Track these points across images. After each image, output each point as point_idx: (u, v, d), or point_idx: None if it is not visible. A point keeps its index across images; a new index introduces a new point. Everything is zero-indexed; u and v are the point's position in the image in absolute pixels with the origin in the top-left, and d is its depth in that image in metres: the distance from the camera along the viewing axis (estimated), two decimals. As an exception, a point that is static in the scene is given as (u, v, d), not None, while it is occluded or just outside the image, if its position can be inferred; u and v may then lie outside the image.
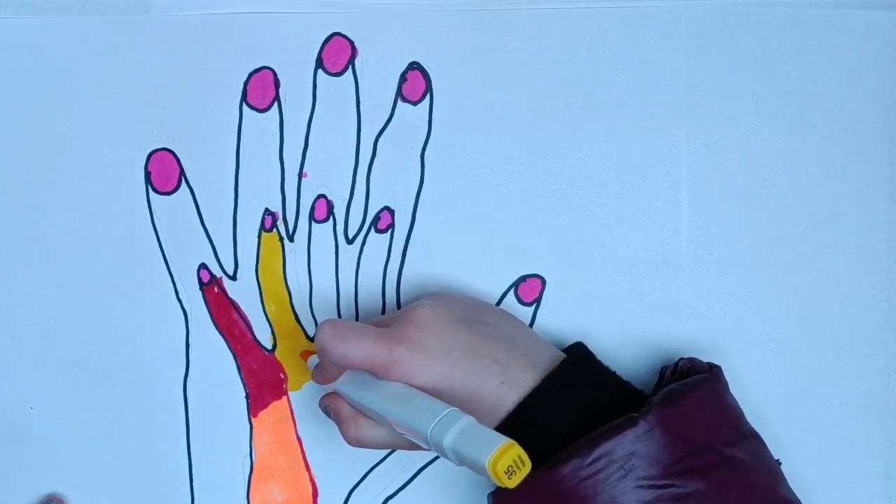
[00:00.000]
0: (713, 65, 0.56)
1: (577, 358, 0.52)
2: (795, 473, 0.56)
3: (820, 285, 0.56)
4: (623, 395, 0.51)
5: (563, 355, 0.52)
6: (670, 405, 0.48)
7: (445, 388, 0.48)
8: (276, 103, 0.56)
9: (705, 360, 0.53)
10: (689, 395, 0.49)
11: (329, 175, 0.57)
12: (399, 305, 0.57)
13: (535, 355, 0.51)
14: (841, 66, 0.56)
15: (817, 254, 0.57)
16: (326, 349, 0.49)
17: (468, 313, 0.51)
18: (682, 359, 0.53)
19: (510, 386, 0.49)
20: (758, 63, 0.56)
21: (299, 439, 0.58)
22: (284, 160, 0.57)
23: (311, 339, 0.57)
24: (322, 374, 0.52)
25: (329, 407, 0.52)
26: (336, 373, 0.51)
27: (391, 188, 0.57)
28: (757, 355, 0.57)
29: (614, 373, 0.53)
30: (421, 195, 0.57)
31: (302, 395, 0.57)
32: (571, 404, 0.49)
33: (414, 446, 0.49)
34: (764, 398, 0.57)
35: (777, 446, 0.53)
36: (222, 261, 0.57)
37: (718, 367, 0.52)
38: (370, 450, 0.54)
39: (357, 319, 0.57)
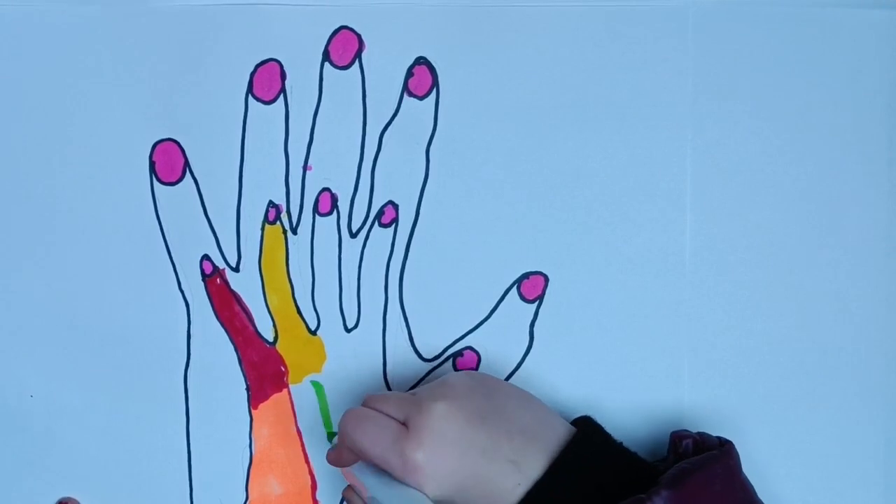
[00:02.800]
0: (720, 64, 0.56)
1: (586, 437, 0.51)
2: (794, 473, 0.56)
3: (820, 285, 0.56)
4: (632, 471, 0.50)
5: (572, 430, 0.52)
6: (678, 486, 0.48)
7: (458, 494, 0.49)
8: (281, 95, 0.56)
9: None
10: (697, 475, 0.49)
11: (333, 168, 0.57)
12: (401, 301, 0.57)
13: (549, 440, 0.50)
14: (843, 66, 0.57)
15: (817, 254, 0.57)
16: (347, 439, 0.50)
17: (484, 407, 0.51)
18: (689, 435, 0.53)
19: (525, 484, 0.49)
20: (761, 62, 0.57)
21: (299, 432, 0.58)
22: (289, 153, 0.57)
23: (313, 333, 0.57)
24: (338, 456, 0.52)
25: (346, 499, 0.54)
26: (351, 459, 0.52)
27: (395, 183, 0.57)
28: (757, 354, 0.57)
29: (622, 445, 0.52)
30: (425, 190, 0.57)
31: (302, 388, 0.57)
32: (582, 488, 0.49)
33: None
34: (763, 398, 0.57)
35: (776, 446, 0.53)
36: (225, 252, 0.57)
37: (730, 443, 0.52)
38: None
39: (359, 315, 0.57)
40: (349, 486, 0.53)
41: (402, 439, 0.49)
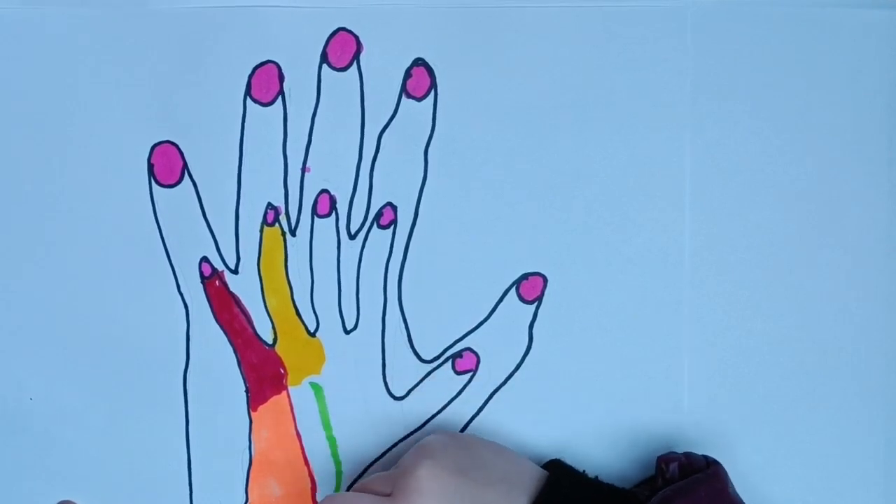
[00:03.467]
0: (718, 64, 0.56)
1: (561, 478, 0.52)
2: (794, 473, 0.56)
3: (820, 285, 0.56)
4: (614, 502, 0.51)
5: (544, 473, 0.53)
6: None
7: None
8: (280, 97, 0.56)
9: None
10: (680, 501, 0.49)
11: (332, 170, 0.57)
12: (400, 302, 0.57)
13: (528, 485, 0.51)
14: (842, 65, 0.57)
15: (817, 254, 0.57)
16: None
17: (465, 461, 0.52)
18: (675, 458, 0.53)
19: None
20: (761, 62, 0.56)
21: (299, 434, 0.58)
22: (288, 154, 0.57)
23: (312, 335, 0.57)
24: None
25: None
26: None
27: (394, 184, 0.57)
28: (757, 354, 0.57)
29: (597, 479, 0.53)
30: (424, 191, 0.57)
31: (302, 390, 0.57)
32: None
33: None
34: (763, 398, 0.57)
35: (776, 446, 0.53)
36: (224, 254, 0.57)
37: (716, 465, 0.52)
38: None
39: (358, 317, 0.57)
40: None
41: None
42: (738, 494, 0.51)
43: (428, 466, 0.51)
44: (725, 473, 0.52)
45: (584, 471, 0.54)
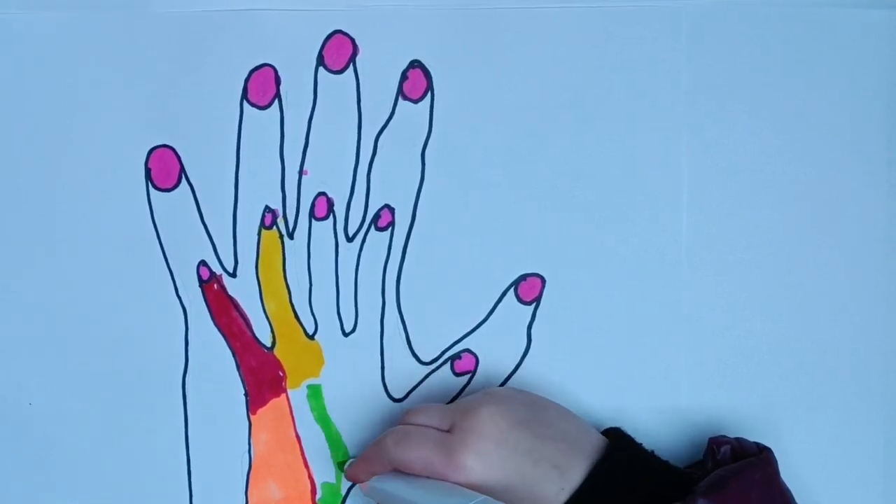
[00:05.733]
0: (715, 64, 0.56)
1: (621, 446, 0.52)
2: (794, 473, 0.56)
3: (820, 285, 0.56)
4: (667, 480, 0.51)
5: (604, 440, 0.52)
6: (714, 493, 0.48)
7: (500, 496, 0.49)
8: (276, 100, 0.56)
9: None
10: (734, 482, 0.49)
11: (329, 173, 0.57)
12: (399, 304, 0.57)
13: (589, 448, 0.51)
14: (841, 65, 0.56)
15: (817, 254, 0.57)
16: (389, 455, 0.51)
17: (528, 414, 0.51)
18: (727, 441, 0.53)
19: (569, 490, 0.49)
20: (758, 63, 0.56)
21: (298, 437, 0.58)
22: (285, 157, 0.57)
23: (310, 338, 0.57)
24: (355, 472, 0.53)
25: None
26: (368, 473, 0.53)
27: (391, 186, 0.57)
28: (756, 355, 0.57)
29: (654, 454, 0.53)
30: (421, 193, 0.57)
31: (301, 393, 0.57)
32: (620, 496, 0.49)
33: None
34: (763, 398, 0.57)
35: (776, 446, 0.53)
36: (222, 258, 0.57)
37: (768, 450, 0.52)
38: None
39: (356, 319, 0.57)
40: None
41: (448, 442, 0.50)
42: (785, 485, 0.51)
43: (491, 411, 0.50)
44: (776, 461, 0.52)
45: (641, 444, 0.53)
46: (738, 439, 0.53)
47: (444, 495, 0.48)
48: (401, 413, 0.55)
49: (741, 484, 0.49)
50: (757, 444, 0.53)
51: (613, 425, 0.55)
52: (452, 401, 0.57)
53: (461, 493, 0.48)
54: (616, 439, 0.53)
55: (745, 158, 0.57)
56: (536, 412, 0.52)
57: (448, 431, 0.51)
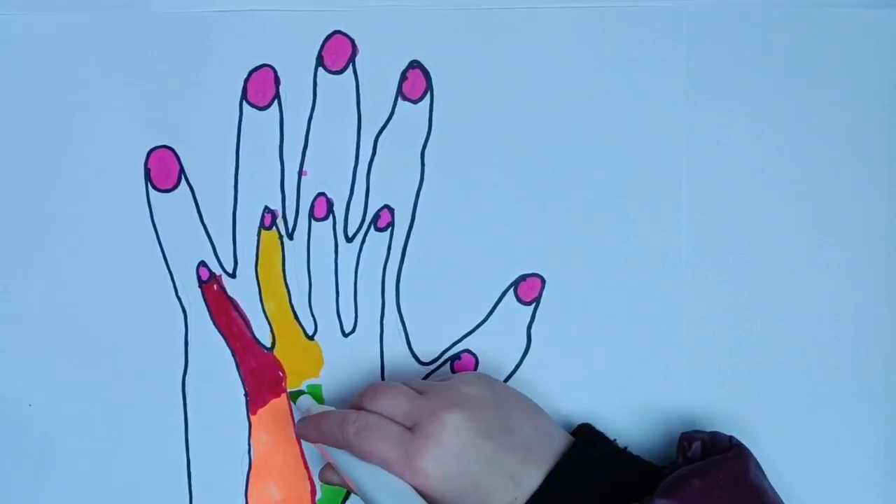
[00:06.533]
0: (715, 64, 0.56)
1: (585, 446, 0.51)
2: (794, 473, 0.56)
3: (820, 285, 0.56)
4: (634, 478, 0.50)
5: (571, 440, 0.52)
6: (673, 493, 0.48)
7: (451, 500, 0.49)
8: (276, 101, 0.56)
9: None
10: (695, 481, 0.48)
11: (329, 173, 0.57)
12: (398, 305, 0.57)
13: (547, 454, 0.51)
14: (841, 65, 0.56)
15: (817, 254, 0.57)
16: (349, 441, 0.50)
17: (493, 419, 0.51)
18: (698, 437, 0.52)
19: (522, 498, 0.49)
20: (758, 62, 0.56)
21: (298, 438, 0.57)
22: (284, 158, 0.57)
23: (310, 338, 0.57)
24: (306, 431, 0.53)
25: (324, 480, 0.54)
26: (317, 441, 0.52)
27: (391, 187, 0.57)
28: (756, 355, 0.57)
29: (625, 450, 0.52)
30: (421, 194, 0.57)
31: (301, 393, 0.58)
32: (578, 498, 0.49)
33: None
34: (763, 398, 0.57)
35: (776, 446, 0.53)
36: (222, 258, 0.57)
37: (739, 447, 0.51)
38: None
39: (356, 320, 0.57)
40: (327, 465, 0.53)
41: (409, 443, 0.49)
42: (761, 477, 0.51)
43: (456, 419, 0.50)
44: (748, 456, 0.51)
45: (615, 439, 0.53)
46: (711, 434, 0.52)
47: (395, 498, 0.49)
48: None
49: (702, 482, 0.48)
50: (730, 440, 0.52)
51: (610, 424, 0.54)
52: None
53: (412, 500, 0.48)
54: (584, 437, 0.52)
55: (745, 158, 0.57)
56: (503, 417, 0.51)
57: (410, 429, 0.50)
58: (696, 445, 0.52)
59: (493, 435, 0.50)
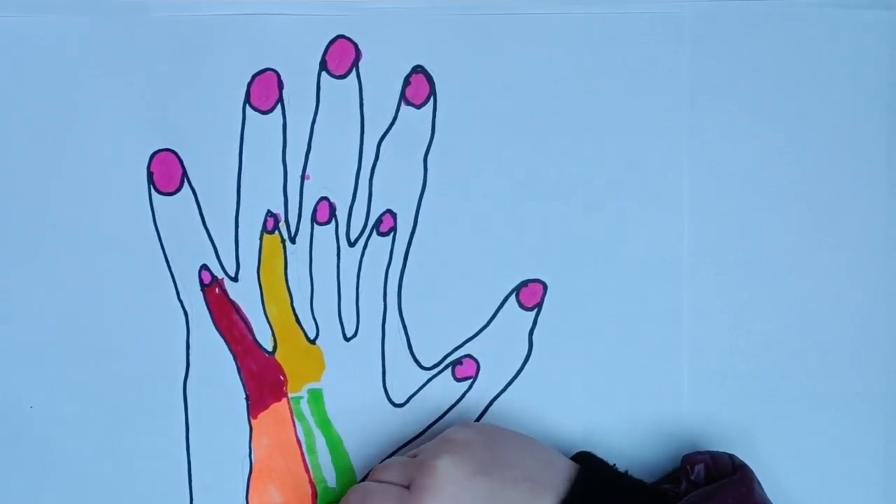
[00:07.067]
0: (716, 67, 0.57)
1: (591, 473, 0.52)
2: (794, 473, 0.56)
3: (820, 286, 0.57)
4: (637, 502, 0.51)
5: (575, 466, 0.52)
6: None
7: None
8: (279, 105, 0.56)
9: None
10: None
11: (331, 177, 0.57)
12: (400, 309, 0.57)
13: (555, 482, 0.51)
14: (841, 66, 0.57)
15: (817, 255, 0.57)
16: None
17: (487, 457, 0.51)
18: (700, 459, 0.52)
19: None
20: (760, 64, 0.57)
21: (299, 441, 0.57)
22: (287, 162, 0.57)
23: (312, 342, 0.57)
24: None
25: None
26: None
27: (394, 191, 0.57)
28: (757, 355, 0.57)
29: (626, 474, 0.53)
30: (423, 198, 0.57)
31: (302, 397, 0.57)
32: None
33: None
34: (763, 399, 0.57)
35: (776, 447, 0.53)
36: (224, 262, 0.57)
37: (743, 468, 0.52)
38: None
39: (357, 324, 0.57)
40: None
41: (406, 499, 0.50)
42: (764, 496, 0.51)
43: (447, 463, 0.50)
44: (751, 476, 0.51)
45: (614, 465, 0.53)
46: (712, 455, 0.53)
47: None
48: (401, 419, 0.54)
49: None
50: (732, 460, 0.52)
51: (613, 429, 0.54)
52: (451, 408, 0.57)
53: None
54: (586, 464, 0.53)
55: (746, 160, 0.57)
56: (496, 453, 0.51)
57: (408, 488, 0.51)
58: (700, 469, 0.52)
59: (489, 471, 0.50)
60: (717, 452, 0.53)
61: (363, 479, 0.55)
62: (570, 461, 0.53)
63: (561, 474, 0.51)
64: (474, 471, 0.50)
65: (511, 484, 0.50)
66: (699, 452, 0.53)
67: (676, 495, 0.50)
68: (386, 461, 0.54)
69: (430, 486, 0.50)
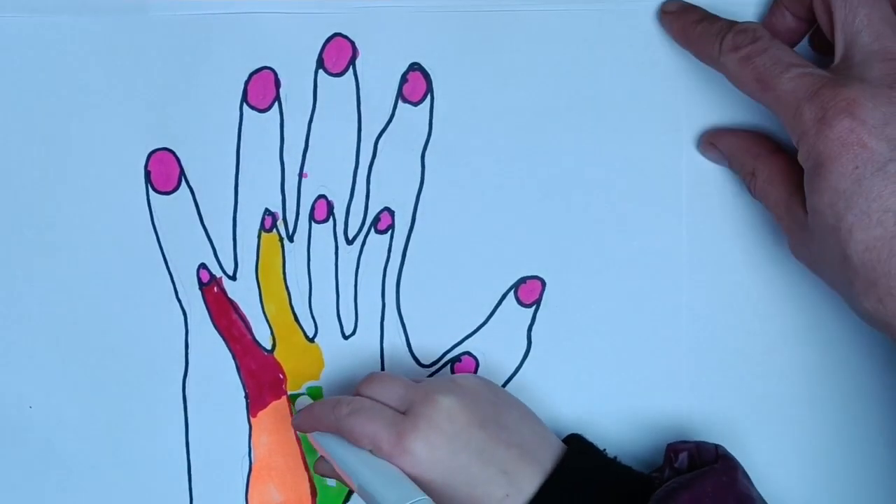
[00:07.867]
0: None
1: (579, 454, 0.52)
2: (794, 473, 0.56)
3: (819, 285, 0.56)
4: (626, 488, 0.51)
5: (564, 447, 0.52)
6: None
7: (442, 490, 0.49)
8: (276, 103, 0.56)
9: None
10: (684, 494, 0.48)
11: (329, 175, 0.57)
12: (399, 307, 0.57)
13: (544, 457, 0.51)
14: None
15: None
16: (341, 422, 0.50)
17: (489, 413, 0.51)
18: (684, 447, 0.52)
19: (515, 498, 0.49)
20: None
21: (298, 440, 0.57)
22: (285, 160, 0.57)
23: (311, 340, 0.57)
24: (305, 418, 0.53)
25: (318, 472, 0.55)
26: (311, 429, 0.53)
27: (391, 189, 0.57)
28: (756, 355, 0.57)
29: (615, 459, 0.53)
30: (421, 196, 0.57)
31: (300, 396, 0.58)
32: None
33: None
34: (763, 399, 0.57)
35: (776, 447, 0.53)
36: (222, 261, 0.57)
37: (726, 458, 0.51)
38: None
39: (356, 322, 0.57)
40: (321, 457, 0.54)
41: (400, 424, 0.49)
42: (749, 486, 0.51)
43: (451, 402, 0.50)
44: (735, 466, 0.51)
45: (604, 449, 0.53)
46: (697, 444, 0.52)
47: (387, 482, 0.48)
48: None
49: (691, 495, 0.48)
50: (716, 449, 0.52)
51: (611, 425, 0.54)
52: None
53: (404, 485, 0.48)
54: (575, 446, 0.53)
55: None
56: (499, 412, 0.52)
57: (404, 413, 0.50)
58: (683, 456, 0.52)
59: (487, 427, 0.50)
60: (704, 442, 0.53)
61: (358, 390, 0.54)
62: (562, 443, 0.53)
63: (551, 452, 0.51)
64: (473, 420, 0.50)
65: (504, 446, 0.50)
66: (684, 441, 0.53)
67: (661, 483, 0.50)
68: (384, 374, 0.53)
69: (429, 416, 0.49)
